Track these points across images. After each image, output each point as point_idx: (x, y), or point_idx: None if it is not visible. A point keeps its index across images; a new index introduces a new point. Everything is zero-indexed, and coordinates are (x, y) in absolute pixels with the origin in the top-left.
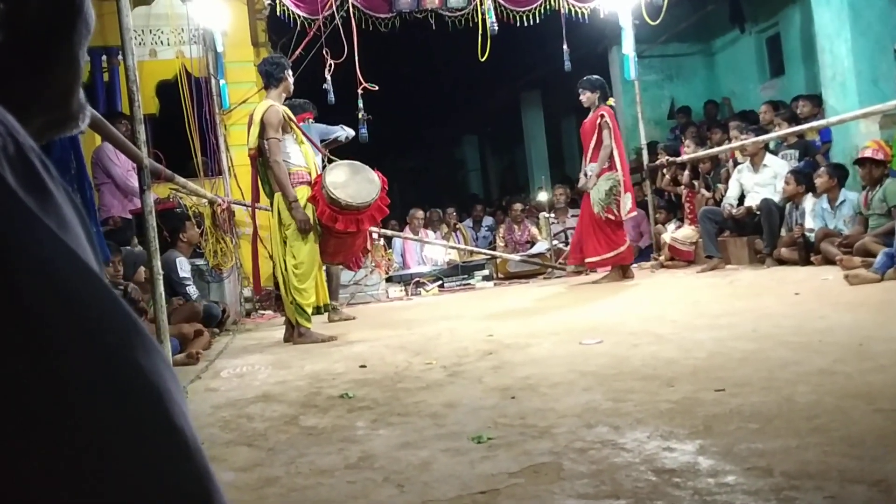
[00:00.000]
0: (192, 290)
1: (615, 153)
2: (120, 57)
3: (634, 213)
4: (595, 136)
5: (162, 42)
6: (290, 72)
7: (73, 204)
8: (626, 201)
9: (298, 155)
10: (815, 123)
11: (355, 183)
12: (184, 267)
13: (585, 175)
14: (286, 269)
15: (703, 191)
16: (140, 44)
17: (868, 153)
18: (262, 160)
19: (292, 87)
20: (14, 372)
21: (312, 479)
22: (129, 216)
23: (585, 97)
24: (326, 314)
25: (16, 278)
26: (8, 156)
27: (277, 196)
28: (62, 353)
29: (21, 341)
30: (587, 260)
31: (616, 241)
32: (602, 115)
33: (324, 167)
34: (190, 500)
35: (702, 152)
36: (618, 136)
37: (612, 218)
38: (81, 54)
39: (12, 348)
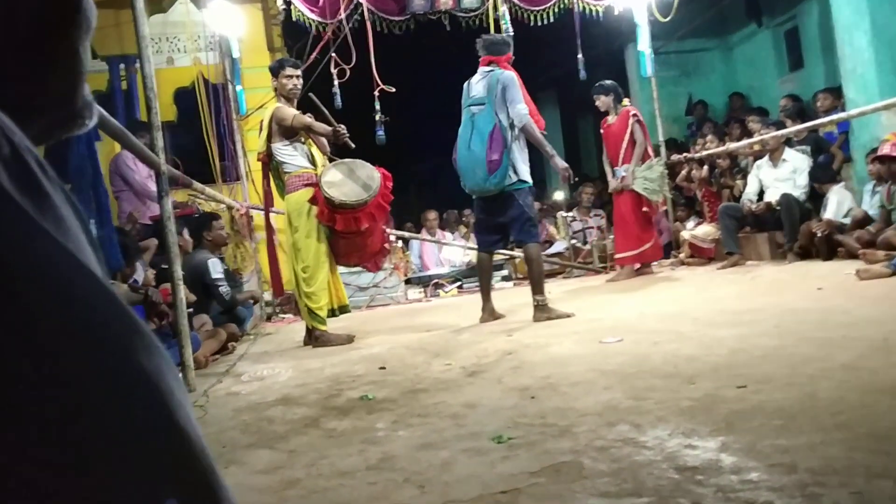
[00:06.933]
0: (226, 289)
1: (649, 149)
2: (137, 65)
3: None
4: (628, 136)
5: (179, 49)
6: (287, 73)
7: (71, 205)
8: None
9: (303, 158)
10: (834, 117)
11: (351, 181)
12: (216, 268)
13: (615, 176)
14: (296, 274)
15: (722, 179)
16: (157, 52)
17: (886, 149)
18: (272, 164)
19: (289, 89)
20: (13, 375)
21: (333, 480)
22: (150, 223)
23: (601, 101)
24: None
25: (13, 281)
26: (3, 157)
27: (287, 198)
28: (62, 356)
29: (19, 344)
30: (616, 256)
31: (644, 238)
32: (634, 115)
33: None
34: (195, 500)
35: (720, 148)
36: (646, 134)
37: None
38: (83, 50)
39: (10, 351)
